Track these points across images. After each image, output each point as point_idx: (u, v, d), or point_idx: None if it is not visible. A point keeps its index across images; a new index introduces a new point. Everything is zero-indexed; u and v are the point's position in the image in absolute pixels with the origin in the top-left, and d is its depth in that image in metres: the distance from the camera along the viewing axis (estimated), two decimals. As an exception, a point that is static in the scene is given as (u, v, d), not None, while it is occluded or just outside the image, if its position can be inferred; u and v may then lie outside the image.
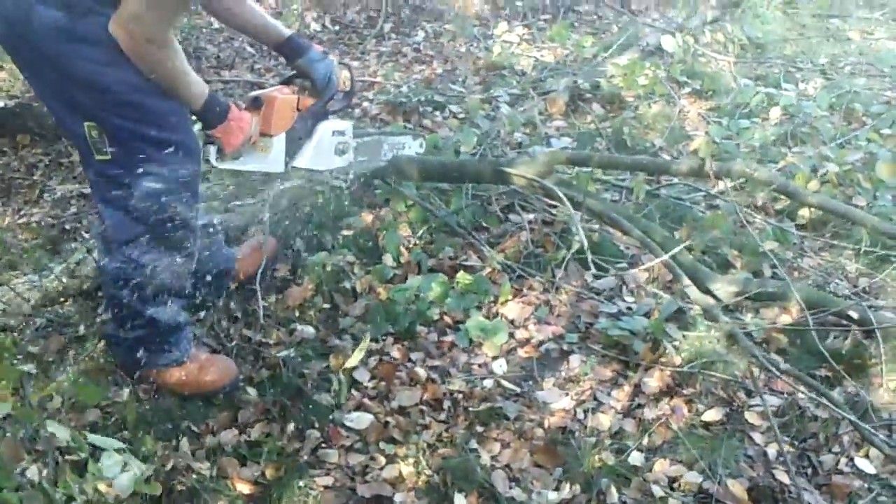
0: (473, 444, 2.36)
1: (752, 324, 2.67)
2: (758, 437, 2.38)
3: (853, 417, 2.17)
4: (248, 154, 2.41)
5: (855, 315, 2.66)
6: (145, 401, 2.42)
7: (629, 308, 2.83)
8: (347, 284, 2.87)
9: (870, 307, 2.76)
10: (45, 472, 1.81)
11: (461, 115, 3.80)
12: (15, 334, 2.54)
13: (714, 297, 2.76)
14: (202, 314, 2.68)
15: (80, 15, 1.93)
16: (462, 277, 2.83)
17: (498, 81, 4.25)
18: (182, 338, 2.41)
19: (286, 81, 2.64)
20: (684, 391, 2.53)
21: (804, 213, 3.15)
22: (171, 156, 2.11)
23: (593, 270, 2.48)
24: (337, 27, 4.89)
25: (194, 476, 2.21)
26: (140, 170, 2.10)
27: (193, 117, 2.19)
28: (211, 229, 2.68)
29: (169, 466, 2.19)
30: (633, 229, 2.74)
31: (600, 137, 3.74)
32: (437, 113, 3.90)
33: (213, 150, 2.32)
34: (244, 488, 2.19)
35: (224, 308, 2.73)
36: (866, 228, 2.74)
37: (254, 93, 2.52)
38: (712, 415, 2.47)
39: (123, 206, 2.16)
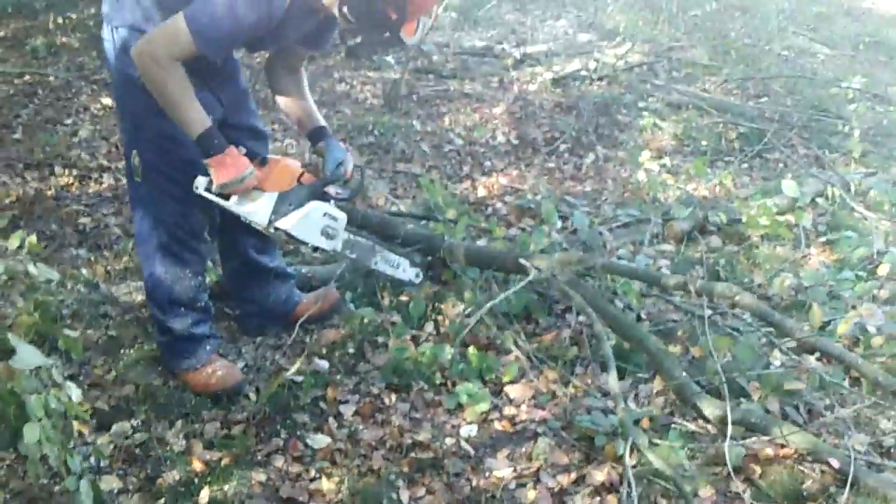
0: (401, 482, 2.57)
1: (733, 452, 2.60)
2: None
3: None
4: (239, 198, 2.64)
5: (836, 465, 2.51)
6: (173, 387, 2.94)
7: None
8: (381, 339, 3.20)
9: (870, 465, 2.57)
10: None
11: (571, 229, 4.03)
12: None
13: (702, 416, 2.74)
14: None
15: (135, 68, 2.52)
16: (471, 352, 3.06)
17: (628, 203, 4.42)
18: (198, 347, 2.90)
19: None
20: (628, 493, 2.53)
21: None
22: (184, 198, 2.67)
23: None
24: (517, 141, 5.36)
25: (167, 447, 2.66)
26: (159, 199, 2.69)
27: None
28: (286, 273, 3.22)
29: (151, 437, 2.66)
30: (642, 338, 2.83)
31: (700, 265, 3.77)
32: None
33: (203, 180, 2.62)
34: (197, 465, 2.60)
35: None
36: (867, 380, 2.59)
37: (269, 155, 2.86)
38: (637, 516, 2.46)
39: (144, 224, 2.75)
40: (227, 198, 2.63)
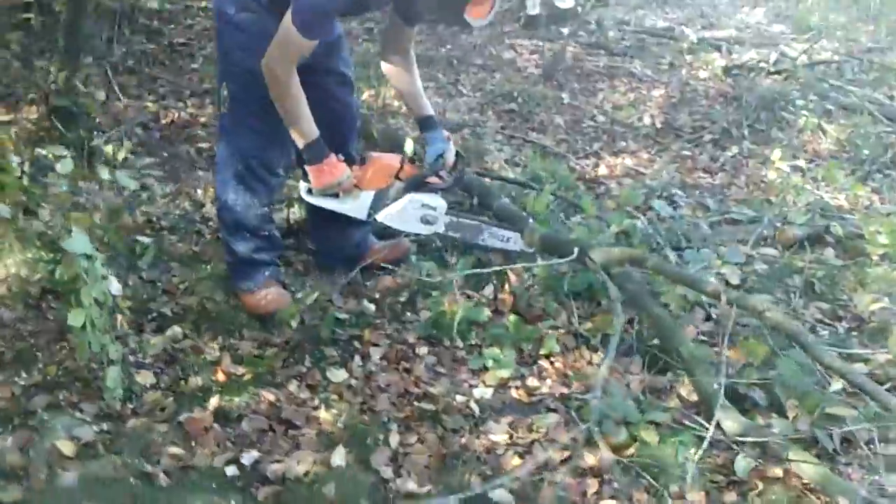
0: (395, 426, 2.65)
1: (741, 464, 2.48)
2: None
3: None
4: (340, 197, 2.95)
5: None
6: (230, 306, 3.16)
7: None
8: (435, 293, 3.26)
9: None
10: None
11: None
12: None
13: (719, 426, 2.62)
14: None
15: (239, 9, 2.77)
16: (511, 319, 3.07)
17: (750, 201, 4.18)
18: (257, 272, 3.09)
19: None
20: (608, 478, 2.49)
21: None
22: (263, 132, 2.85)
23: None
24: (661, 125, 5.18)
25: (201, 356, 2.89)
26: (240, 130, 2.89)
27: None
28: (368, 220, 3.35)
29: (194, 344, 2.91)
30: (676, 340, 2.75)
31: (798, 275, 3.54)
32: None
33: (304, 185, 2.95)
34: (220, 376, 2.81)
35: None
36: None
37: (371, 152, 3.13)
38: (611, 504, 2.41)
39: (225, 152, 2.96)
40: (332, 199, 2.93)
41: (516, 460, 2.56)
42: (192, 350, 2.90)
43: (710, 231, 3.79)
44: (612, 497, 2.46)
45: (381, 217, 2.98)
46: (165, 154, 4.44)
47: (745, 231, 3.86)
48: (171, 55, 5.62)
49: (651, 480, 2.47)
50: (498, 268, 3.15)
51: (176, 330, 3.03)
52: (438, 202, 3.05)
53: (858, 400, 2.80)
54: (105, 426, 2.58)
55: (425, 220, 3.05)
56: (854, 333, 3.25)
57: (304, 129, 2.73)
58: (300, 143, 2.76)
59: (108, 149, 3.85)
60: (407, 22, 3.00)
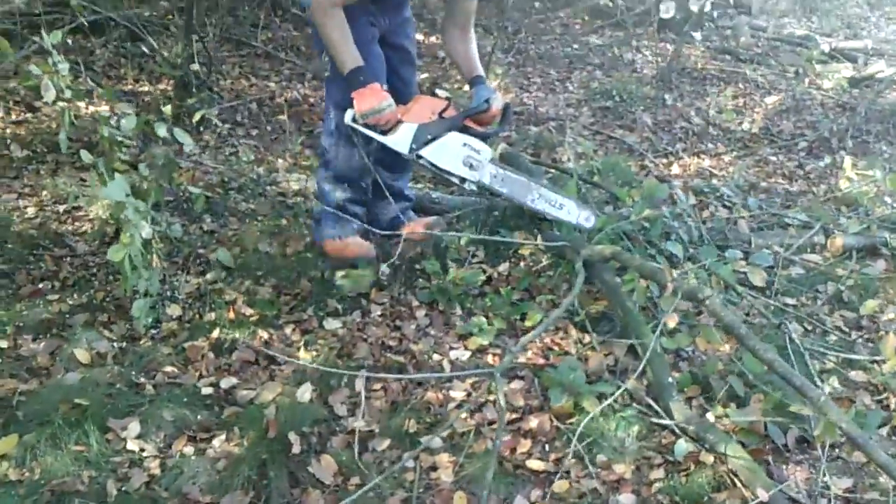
0: (363, 372, 2.89)
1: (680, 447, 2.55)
2: None
3: None
4: (387, 129, 2.99)
5: (764, 498, 2.36)
6: (269, 256, 3.49)
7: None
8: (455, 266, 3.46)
9: None
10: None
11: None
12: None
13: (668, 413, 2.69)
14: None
15: None
16: (504, 290, 3.23)
17: (812, 209, 4.06)
18: (341, 221, 3.27)
19: None
20: (546, 444, 2.62)
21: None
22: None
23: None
24: (757, 131, 5.08)
25: (222, 295, 3.25)
26: (341, 92, 3.04)
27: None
28: (403, 194, 3.60)
29: (222, 287, 3.28)
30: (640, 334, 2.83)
31: (827, 283, 3.46)
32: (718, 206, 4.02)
33: (350, 112, 2.98)
34: (231, 315, 3.15)
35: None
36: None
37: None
38: (535, 464, 2.55)
39: (330, 110, 3.20)
40: (376, 130, 2.98)
41: (462, 416, 2.72)
42: (216, 292, 3.25)
43: (748, 232, 3.74)
44: (539, 458, 2.57)
45: (423, 152, 3.01)
46: (268, 127, 4.89)
47: (792, 236, 3.77)
48: (309, 42, 6.08)
49: (580, 448, 2.55)
50: (502, 239, 3.28)
51: (213, 274, 3.40)
52: (482, 146, 3.08)
53: (840, 403, 2.77)
54: (123, 345, 2.99)
55: (468, 164, 3.07)
56: (871, 343, 3.16)
57: (348, 56, 2.87)
58: (345, 70, 2.88)
59: (215, 119, 4.38)
60: None
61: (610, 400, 2.55)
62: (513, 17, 6.75)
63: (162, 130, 3.31)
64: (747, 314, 3.26)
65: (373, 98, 2.93)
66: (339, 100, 3.08)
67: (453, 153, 3.08)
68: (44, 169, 4.12)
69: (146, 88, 5.17)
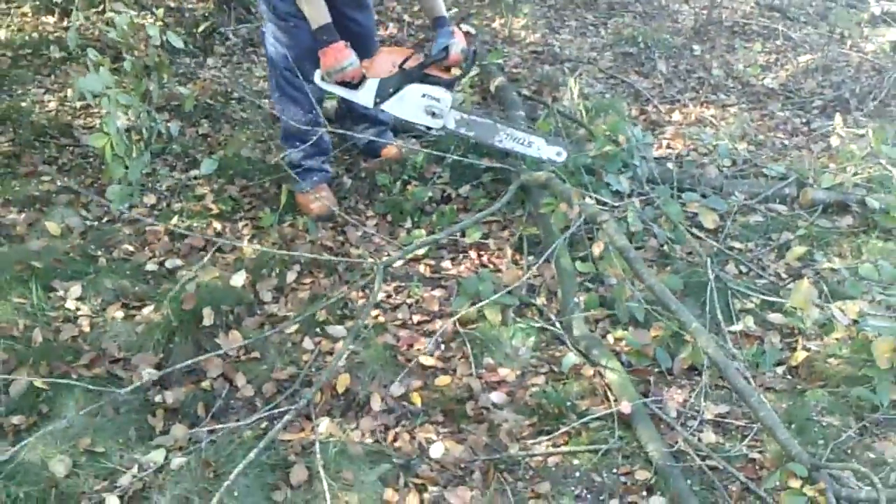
0: (296, 266, 3.11)
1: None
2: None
3: None
4: (347, 85, 3.11)
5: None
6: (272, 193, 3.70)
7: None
8: (416, 184, 3.63)
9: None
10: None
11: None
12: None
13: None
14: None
15: None
16: (448, 208, 3.40)
17: (793, 163, 4.04)
18: (308, 176, 3.41)
19: None
20: (443, 345, 2.80)
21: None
22: (295, 31, 3.14)
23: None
24: (775, 86, 5.01)
25: (195, 190, 3.52)
26: (274, 45, 3.24)
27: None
28: (378, 119, 3.75)
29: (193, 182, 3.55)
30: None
31: (782, 232, 3.49)
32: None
33: (318, 72, 3.08)
34: (196, 206, 3.42)
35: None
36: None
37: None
38: (427, 360, 2.73)
39: (268, 65, 3.38)
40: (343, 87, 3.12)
41: (375, 312, 2.91)
42: (189, 188, 3.52)
43: (721, 178, 3.78)
44: (432, 355, 2.75)
45: (386, 105, 3.13)
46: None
47: (764, 186, 3.78)
48: None
49: (472, 351, 2.72)
50: (457, 157, 3.44)
51: (195, 172, 3.66)
52: (442, 94, 3.13)
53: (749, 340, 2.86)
54: (95, 224, 3.29)
55: (430, 112, 3.15)
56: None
57: (316, 14, 2.96)
58: (313, 26, 2.98)
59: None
60: None
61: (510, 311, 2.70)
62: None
63: (153, 31, 3.57)
64: (689, 253, 3.31)
65: (335, 58, 3.03)
66: (277, 61, 3.21)
67: (414, 104, 3.17)
68: (75, 70, 4.44)
69: (190, 6, 5.44)
